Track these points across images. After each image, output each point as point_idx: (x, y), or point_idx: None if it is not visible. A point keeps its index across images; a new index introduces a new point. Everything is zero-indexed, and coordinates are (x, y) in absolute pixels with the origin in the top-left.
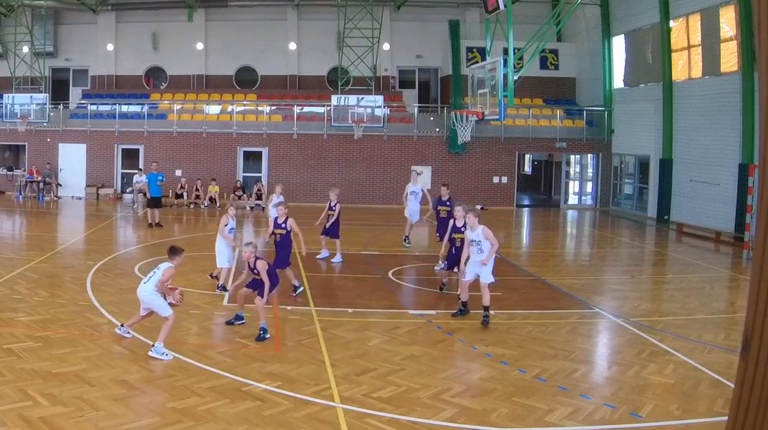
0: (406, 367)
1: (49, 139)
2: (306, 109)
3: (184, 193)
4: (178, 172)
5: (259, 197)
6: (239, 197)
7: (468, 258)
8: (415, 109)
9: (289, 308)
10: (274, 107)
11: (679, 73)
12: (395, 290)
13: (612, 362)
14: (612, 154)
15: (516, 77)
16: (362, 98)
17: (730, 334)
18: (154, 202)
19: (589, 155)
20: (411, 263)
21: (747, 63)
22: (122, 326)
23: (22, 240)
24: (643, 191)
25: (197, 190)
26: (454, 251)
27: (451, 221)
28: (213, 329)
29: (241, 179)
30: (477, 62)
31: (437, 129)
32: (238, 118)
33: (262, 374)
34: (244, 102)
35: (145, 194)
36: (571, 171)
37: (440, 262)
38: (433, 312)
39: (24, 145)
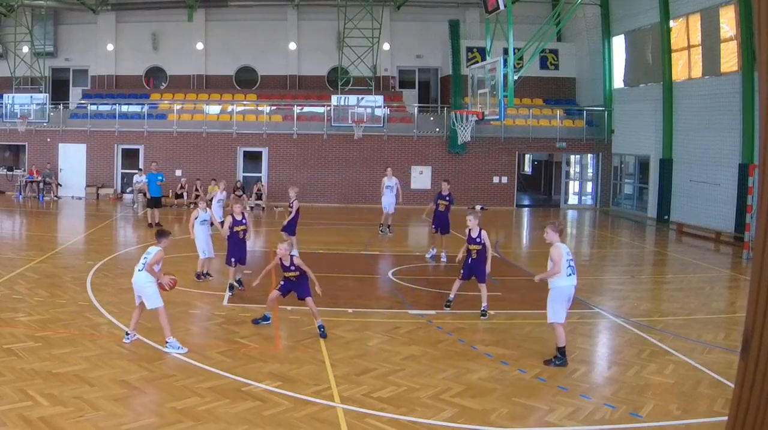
0: (406, 367)
1: (49, 139)
2: (306, 109)
3: (184, 193)
4: (178, 172)
5: (259, 197)
6: (239, 197)
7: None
8: (415, 109)
9: (289, 308)
10: (274, 107)
11: (679, 73)
12: (395, 290)
13: (612, 362)
14: (612, 154)
15: (516, 77)
16: (362, 98)
17: (730, 334)
18: (154, 203)
19: (589, 155)
20: (411, 263)
21: (747, 63)
22: (128, 334)
23: (22, 240)
24: (643, 191)
25: (197, 190)
26: (470, 262)
27: (466, 231)
28: (213, 329)
29: (241, 179)
30: (477, 62)
31: (437, 129)
32: (238, 118)
33: (262, 374)
34: (244, 102)
35: (145, 194)
36: (571, 171)
37: (431, 249)
38: (433, 312)
39: (24, 145)
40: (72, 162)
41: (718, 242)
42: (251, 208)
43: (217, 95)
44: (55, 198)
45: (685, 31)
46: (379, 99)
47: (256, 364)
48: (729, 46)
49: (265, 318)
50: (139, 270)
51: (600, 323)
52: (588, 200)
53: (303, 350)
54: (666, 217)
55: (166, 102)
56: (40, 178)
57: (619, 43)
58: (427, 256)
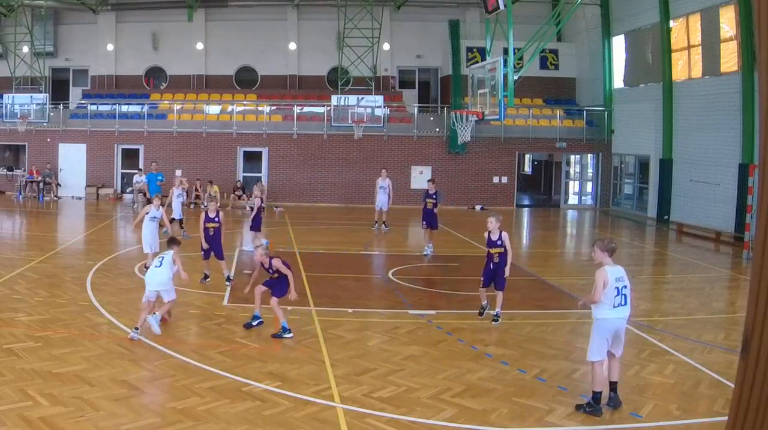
0: (406, 367)
1: (49, 139)
2: (306, 109)
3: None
4: (178, 172)
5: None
6: (239, 197)
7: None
8: (415, 109)
9: (289, 308)
10: (274, 107)
11: (679, 73)
12: (395, 290)
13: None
14: (612, 154)
15: (516, 77)
16: (362, 98)
17: (730, 334)
18: None
19: (589, 155)
20: (411, 263)
21: (747, 63)
22: (136, 329)
23: (22, 240)
24: (643, 191)
25: (197, 190)
26: (492, 266)
27: (486, 235)
28: (213, 329)
29: (241, 179)
30: (477, 62)
31: (437, 129)
32: (238, 118)
33: (262, 374)
34: (244, 102)
35: (144, 194)
36: (571, 171)
37: (427, 244)
38: (433, 312)
39: (24, 145)
40: (72, 162)
41: (718, 242)
42: (251, 208)
43: (217, 95)
44: (55, 198)
45: (685, 31)
46: (379, 99)
47: (256, 364)
48: (729, 46)
49: (255, 318)
50: (157, 266)
51: None
52: (588, 200)
53: (303, 350)
54: (666, 217)
55: (166, 102)
56: (40, 178)
57: (619, 43)
58: (424, 253)
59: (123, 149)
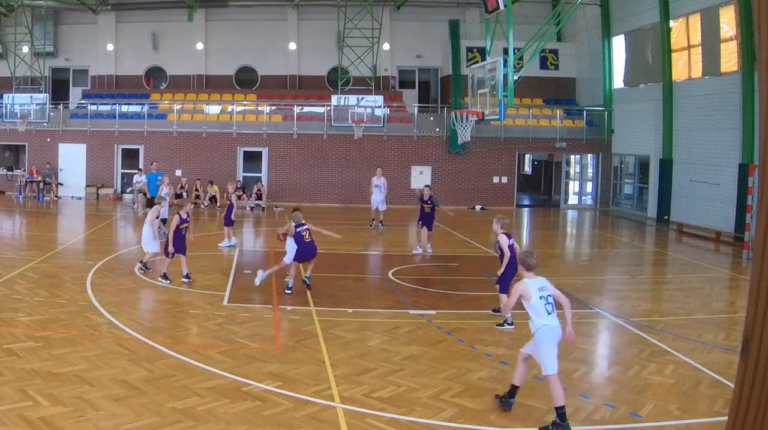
0: (406, 367)
1: (49, 139)
2: (306, 109)
3: (184, 193)
4: (178, 172)
5: (259, 197)
6: (239, 197)
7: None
8: (415, 109)
9: (289, 308)
10: (274, 107)
11: (679, 73)
12: (395, 290)
13: (612, 362)
14: (612, 154)
15: (516, 77)
16: (362, 98)
17: (730, 334)
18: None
19: (589, 155)
20: (411, 263)
21: (747, 63)
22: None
23: (22, 240)
24: (643, 191)
25: (197, 190)
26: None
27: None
28: (213, 329)
29: (241, 179)
30: (477, 62)
31: (437, 129)
32: (238, 118)
33: (262, 374)
34: (244, 102)
35: (145, 194)
36: (571, 171)
37: (428, 246)
38: (433, 312)
39: (24, 145)
40: (72, 162)
41: (718, 242)
42: (251, 208)
43: (217, 95)
44: (55, 198)
45: (685, 31)
46: (379, 99)
47: (256, 364)
48: (729, 46)
49: (289, 287)
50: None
51: (600, 323)
52: (588, 200)
53: (303, 350)
54: (666, 217)
55: (166, 102)
56: (40, 178)
57: (619, 43)
58: (426, 251)
59: (123, 149)
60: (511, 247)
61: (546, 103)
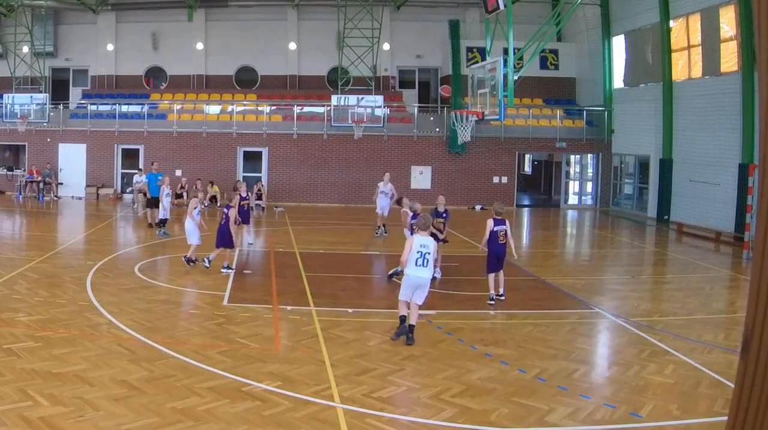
0: (406, 367)
1: (49, 139)
2: (306, 109)
3: (184, 193)
4: (178, 172)
5: (259, 197)
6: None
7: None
8: (415, 109)
9: (289, 308)
10: (274, 107)
11: (679, 73)
12: (395, 290)
13: (612, 362)
14: (612, 154)
15: (516, 77)
16: (362, 98)
17: (730, 334)
18: (154, 202)
19: (589, 155)
20: None
21: (747, 63)
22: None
23: (22, 240)
24: (643, 191)
25: (197, 189)
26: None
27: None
28: (213, 329)
29: (241, 179)
30: (477, 62)
31: (437, 129)
32: (238, 118)
33: (262, 374)
34: (244, 102)
35: (145, 194)
36: (571, 171)
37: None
38: (433, 312)
39: (24, 145)
40: (72, 162)
41: (718, 242)
42: (251, 207)
43: (217, 95)
44: (55, 198)
45: (685, 31)
46: (379, 99)
47: (256, 364)
48: (729, 46)
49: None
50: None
51: (600, 323)
52: (588, 200)
53: (303, 350)
54: (666, 217)
55: (166, 102)
56: (40, 178)
57: (619, 43)
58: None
59: (123, 149)
60: (492, 231)
61: (546, 103)
